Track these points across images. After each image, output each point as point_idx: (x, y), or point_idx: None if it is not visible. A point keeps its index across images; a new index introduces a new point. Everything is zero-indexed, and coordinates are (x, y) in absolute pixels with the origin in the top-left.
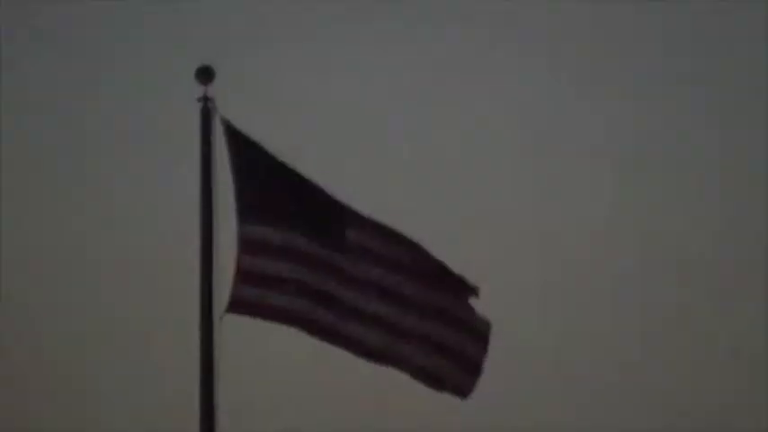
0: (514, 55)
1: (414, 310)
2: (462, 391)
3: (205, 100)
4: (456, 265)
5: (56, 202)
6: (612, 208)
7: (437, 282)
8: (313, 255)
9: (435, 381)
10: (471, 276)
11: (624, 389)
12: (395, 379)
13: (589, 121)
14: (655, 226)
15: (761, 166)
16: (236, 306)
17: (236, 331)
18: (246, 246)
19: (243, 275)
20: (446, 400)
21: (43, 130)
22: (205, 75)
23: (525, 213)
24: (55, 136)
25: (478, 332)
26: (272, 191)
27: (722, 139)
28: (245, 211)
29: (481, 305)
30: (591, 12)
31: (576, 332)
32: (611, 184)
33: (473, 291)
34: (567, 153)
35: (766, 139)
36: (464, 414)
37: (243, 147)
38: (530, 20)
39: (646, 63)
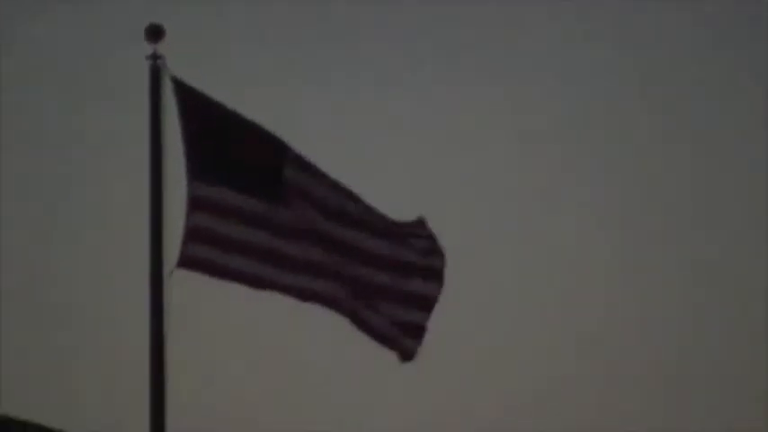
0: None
1: (362, 260)
2: (405, 354)
3: (154, 58)
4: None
5: (5, 162)
6: (609, 208)
7: (382, 229)
8: (259, 213)
9: (381, 338)
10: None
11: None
12: (342, 328)
13: (587, 119)
14: (652, 224)
15: (761, 166)
16: (185, 262)
17: (185, 286)
18: (194, 203)
19: (190, 232)
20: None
21: None
22: (155, 33)
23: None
24: (3, 94)
25: (431, 269)
26: (221, 148)
27: (722, 139)
28: (194, 169)
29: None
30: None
31: (571, 333)
32: (608, 183)
33: (420, 225)
34: (562, 151)
35: (766, 139)
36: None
37: (193, 103)
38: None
39: (644, 64)
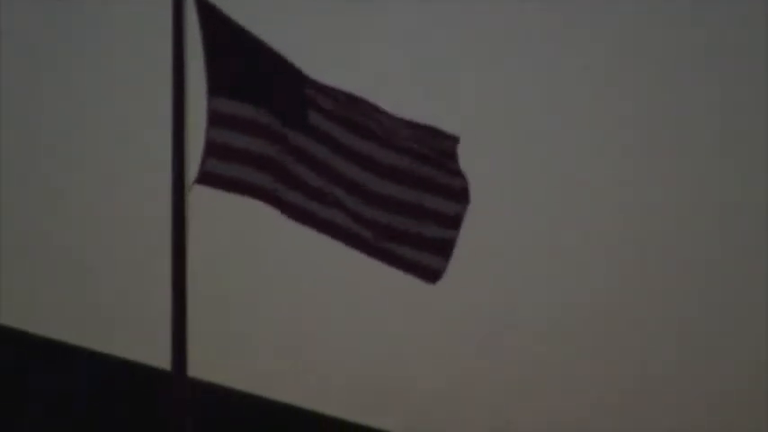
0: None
1: (376, 199)
2: (431, 275)
3: None
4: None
5: (22, 85)
6: (611, 205)
7: (411, 152)
8: (279, 133)
9: (402, 265)
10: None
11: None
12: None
13: (592, 118)
14: (653, 224)
15: (761, 164)
16: (204, 178)
17: (206, 203)
18: (215, 119)
19: (210, 148)
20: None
21: (14, 13)
22: None
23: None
24: (22, 19)
25: (457, 192)
26: (242, 65)
27: (722, 134)
28: (215, 84)
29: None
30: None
31: (570, 334)
32: (612, 184)
33: (453, 141)
34: (570, 150)
35: (766, 134)
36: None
37: (215, 20)
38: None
39: (645, 60)
